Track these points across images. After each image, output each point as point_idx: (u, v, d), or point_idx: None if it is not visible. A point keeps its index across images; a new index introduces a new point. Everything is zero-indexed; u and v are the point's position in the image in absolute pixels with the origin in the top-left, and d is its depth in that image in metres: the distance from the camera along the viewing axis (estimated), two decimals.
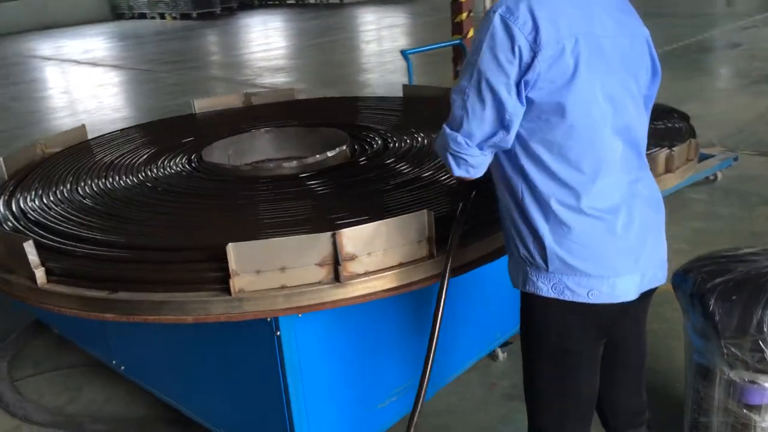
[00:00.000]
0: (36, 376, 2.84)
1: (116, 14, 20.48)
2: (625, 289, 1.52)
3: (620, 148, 1.49)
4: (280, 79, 9.32)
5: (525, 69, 1.40)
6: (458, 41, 5.07)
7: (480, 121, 1.47)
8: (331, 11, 18.14)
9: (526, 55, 1.40)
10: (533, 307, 1.58)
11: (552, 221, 1.48)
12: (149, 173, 2.64)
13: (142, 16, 19.69)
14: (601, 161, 1.46)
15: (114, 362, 2.54)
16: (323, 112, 3.62)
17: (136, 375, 2.53)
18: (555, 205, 1.47)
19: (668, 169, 3.72)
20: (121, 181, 2.58)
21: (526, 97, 1.43)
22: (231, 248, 1.70)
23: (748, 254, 2.06)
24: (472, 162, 1.52)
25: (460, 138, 1.50)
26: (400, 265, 1.83)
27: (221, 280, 1.76)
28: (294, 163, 2.59)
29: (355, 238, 1.76)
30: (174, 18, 18.35)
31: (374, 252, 1.79)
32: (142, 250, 1.96)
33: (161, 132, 3.38)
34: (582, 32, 1.43)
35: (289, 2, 20.51)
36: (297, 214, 2.12)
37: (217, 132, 3.13)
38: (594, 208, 1.47)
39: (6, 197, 2.52)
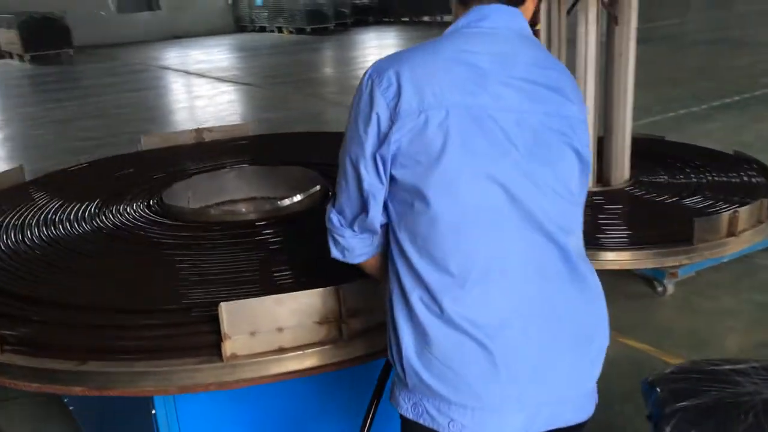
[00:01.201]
0: (5, 402, 2.83)
1: (239, 27, 21.38)
2: (498, 428, 1.21)
3: (522, 251, 1.20)
4: None
5: (381, 140, 1.20)
6: None
7: (347, 197, 1.30)
8: (444, 29, 18.00)
9: (384, 125, 1.20)
10: (401, 426, 1.31)
11: (414, 324, 1.22)
12: (106, 219, 2.39)
13: (262, 29, 20.43)
14: (476, 263, 1.18)
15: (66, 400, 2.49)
16: (299, 148, 3.28)
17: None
18: (416, 304, 1.20)
19: (730, 232, 3.24)
20: (74, 228, 2.30)
21: (391, 174, 1.21)
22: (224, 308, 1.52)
23: (734, 371, 1.67)
24: (345, 244, 1.35)
25: (333, 215, 1.35)
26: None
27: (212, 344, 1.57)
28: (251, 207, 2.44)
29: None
30: (290, 32, 18.90)
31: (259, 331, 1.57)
32: (109, 312, 1.74)
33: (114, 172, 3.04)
34: (457, 103, 1.18)
35: (403, 20, 20.58)
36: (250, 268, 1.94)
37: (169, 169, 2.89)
38: (465, 318, 1.18)
39: None
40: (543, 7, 3.67)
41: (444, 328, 1.18)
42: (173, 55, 15.74)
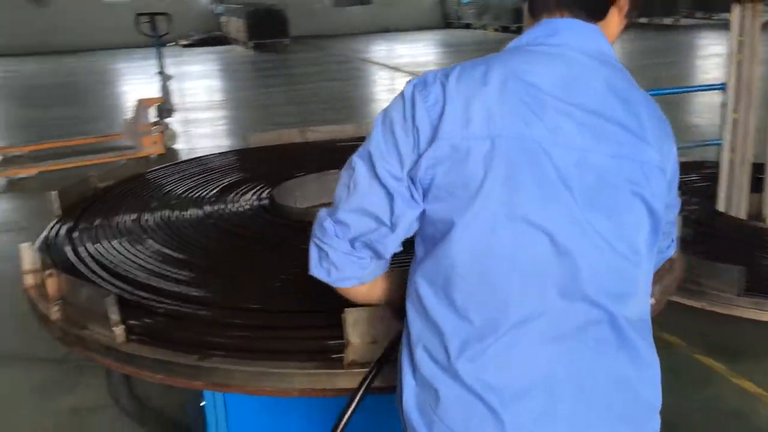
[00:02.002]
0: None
1: (446, 23, 21.67)
2: None
3: (560, 310, 1.03)
4: None
5: (416, 160, 1.05)
6: (721, 85, 4.29)
7: (356, 209, 1.11)
8: (660, 33, 16.89)
9: (423, 143, 1.04)
10: None
11: (419, 379, 1.09)
12: (219, 212, 2.41)
13: (468, 26, 20.52)
14: (502, 317, 1.02)
15: None
16: None
17: None
18: (419, 354, 1.08)
19: None
20: (189, 223, 2.31)
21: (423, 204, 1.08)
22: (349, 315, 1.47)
23: None
24: (335, 259, 1.13)
25: (328, 223, 1.13)
26: None
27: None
28: None
29: None
30: (495, 30, 18.78)
31: None
32: (229, 309, 1.73)
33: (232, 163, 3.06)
34: (507, 132, 1.01)
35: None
36: None
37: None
38: (477, 378, 1.02)
39: (66, 237, 2.18)
40: (735, 17, 3.30)
41: (452, 384, 1.05)
42: (377, 48, 16.34)
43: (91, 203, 2.49)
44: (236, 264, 1.97)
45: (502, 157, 1.01)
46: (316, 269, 1.16)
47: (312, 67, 13.42)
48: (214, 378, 1.54)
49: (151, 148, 6.77)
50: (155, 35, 7.17)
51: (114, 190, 2.64)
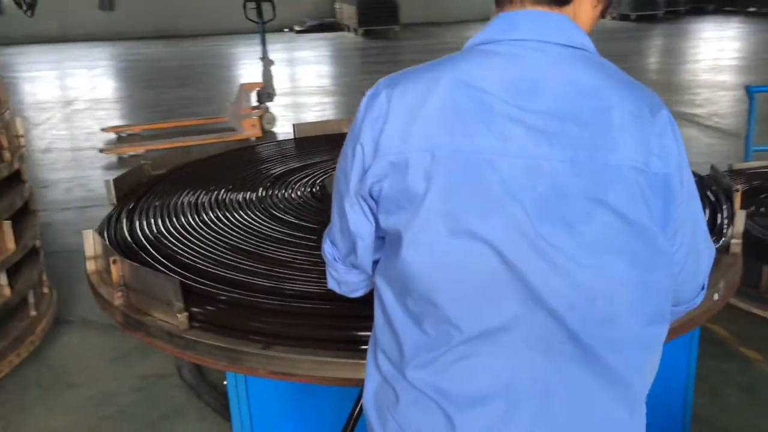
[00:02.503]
0: None
1: None
2: None
3: (520, 322, 0.97)
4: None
5: (362, 177, 1.03)
6: None
7: (339, 230, 1.14)
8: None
9: (367, 159, 1.02)
10: None
11: (380, 376, 1.08)
12: (273, 200, 2.40)
13: None
14: (455, 328, 0.99)
15: None
16: None
17: None
18: (380, 353, 1.08)
19: None
20: (247, 211, 2.30)
21: (376, 219, 1.06)
22: None
23: None
24: (339, 278, 1.20)
25: (326, 245, 1.19)
26: None
27: None
28: None
29: None
30: (613, 18, 17.99)
31: None
32: (290, 298, 1.72)
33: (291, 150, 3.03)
34: (446, 145, 0.96)
35: (749, 10, 18.18)
36: None
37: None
38: (431, 385, 1.00)
39: (126, 224, 2.16)
40: None
41: (407, 387, 1.03)
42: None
43: (147, 190, 2.46)
44: (301, 252, 1.94)
45: (443, 170, 0.96)
46: (331, 285, 1.23)
47: (419, 54, 13.38)
48: (277, 366, 1.55)
49: (249, 130, 7.03)
50: (260, 21, 7.42)
51: (172, 176, 2.62)
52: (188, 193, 2.42)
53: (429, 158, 0.97)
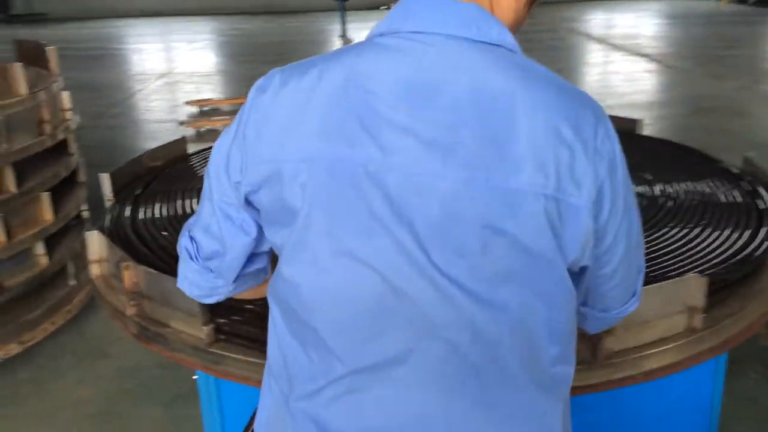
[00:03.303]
0: None
1: None
2: None
3: (411, 351, 0.85)
4: None
5: (239, 182, 0.90)
6: None
7: (204, 228, 0.99)
8: None
9: (245, 164, 0.89)
10: None
11: (271, 407, 0.99)
12: None
13: None
14: (339, 360, 0.88)
15: None
16: None
17: None
18: (272, 382, 0.98)
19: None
20: None
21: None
22: None
23: None
24: (191, 278, 1.03)
25: (183, 239, 1.02)
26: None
27: None
28: None
29: None
30: (729, 1, 16.75)
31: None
32: None
33: None
34: (324, 155, 0.83)
35: None
36: None
37: None
38: (315, 418, 0.89)
39: (129, 222, 1.93)
40: None
41: (292, 419, 0.91)
42: (591, 18, 15.35)
43: (146, 185, 2.16)
44: None
45: (321, 183, 0.83)
46: (180, 282, 1.05)
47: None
48: None
49: None
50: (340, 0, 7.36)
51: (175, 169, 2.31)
52: (189, 191, 2.11)
53: (305, 169, 0.84)
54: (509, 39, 0.86)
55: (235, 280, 1.00)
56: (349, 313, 0.86)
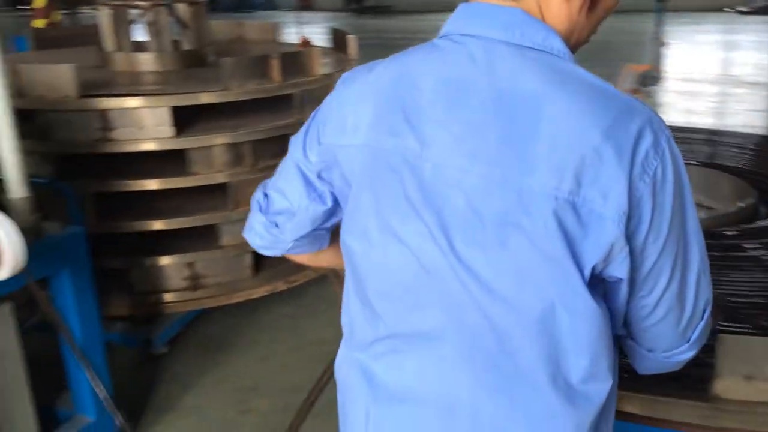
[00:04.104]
0: None
1: None
2: None
3: (445, 328, 0.93)
4: None
5: (307, 154, 1.03)
6: None
7: (278, 188, 1.10)
8: None
9: (317, 142, 1.02)
10: None
11: (343, 351, 1.13)
12: None
13: None
14: (383, 323, 0.99)
15: None
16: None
17: None
18: (344, 330, 1.11)
19: None
20: None
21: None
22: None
23: None
24: (258, 230, 1.13)
25: (258, 193, 1.13)
26: None
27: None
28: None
29: None
30: None
31: None
32: None
33: None
34: (373, 143, 0.93)
35: None
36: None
37: None
38: (365, 367, 1.01)
39: None
40: None
41: (350, 365, 1.04)
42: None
43: None
44: None
45: (368, 167, 0.94)
46: (246, 232, 1.17)
47: None
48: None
49: None
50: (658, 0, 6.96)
51: None
52: None
53: (356, 153, 0.95)
54: (556, 44, 0.88)
55: (294, 240, 1.11)
56: (390, 284, 0.95)
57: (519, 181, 0.83)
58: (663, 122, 0.84)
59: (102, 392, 2.23)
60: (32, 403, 2.24)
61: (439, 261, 0.89)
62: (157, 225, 2.97)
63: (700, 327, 0.96)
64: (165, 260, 3.05)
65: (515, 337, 0.88)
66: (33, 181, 2.28)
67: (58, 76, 2.78)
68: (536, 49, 0.88)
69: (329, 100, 1.03)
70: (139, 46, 3.66)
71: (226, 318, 3.46)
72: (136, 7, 3.55)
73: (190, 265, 3.10)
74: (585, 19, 0.92)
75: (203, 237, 3.12)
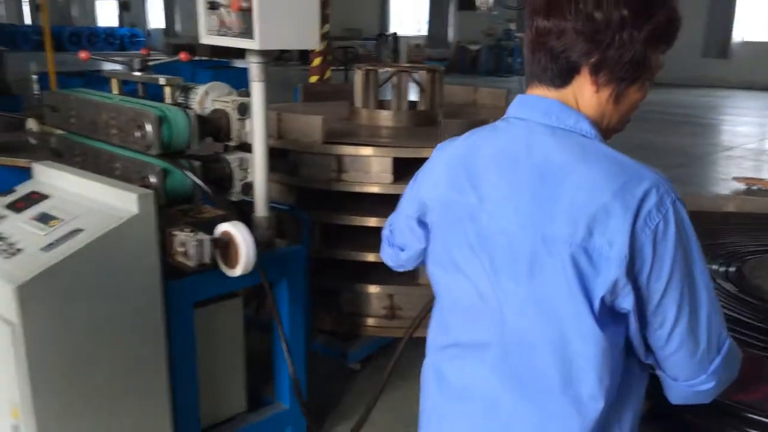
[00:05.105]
0: None
1: None
2: None
3: (491, 343, 1.21)
4: None
5: (409, 204, 1.39)
6: None
7: (396, 225, 1.48)
8: None
9: (415, 194, 1.37)
10: None
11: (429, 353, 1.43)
12: None
13: None
14: (448, 334, 1.30)
15: None
16: None
17: None
18: (429, 334, 1.42)
19: None
20: None
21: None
22: None
23: None
24: (389, 252, 1.55)
25: (386, 225, 1.54)
26: None
27: None
28: None
29: None
30: None
31: None
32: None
33: None
34: (445, 198, 1.26)
35: None
36: None
37: None
38: (438, 369, 1.32)
39: None
40: None
41: (427, 366, 1.37)
42: None
43: None
44: None
45: (441, 217, 1.25)
46: (382, 254, 1.59)
47: None
48: None
49: None
50: None
51: None
52: None
53: (436, 205, 1.28)
54: (585, 126, 1.15)
55: (412, 263, 1.50)
56: (457, 304, 1.26)
57: (544, 228, 1.09)
58: (670, 187, 1.05)
59: (297, 387, 2.67)
60: (245, 385, 2.77)
61: (488, 289, 1.17)
62: (370, 257, 3.41)
63: (717, 361, 1.11)
64: (371, 288, 3.49)
65: (536, 352, 1.12)
66: (277, 206, 2.83)
67: (310, 124, 3.40)
68: (567, 130, 1.14)
69: (426, 164, 1.35)
70: (382, 104, 4.23)
71: (414, 348, 3.77)
72: (385, 71, 4.14)
73: (390, 296, 3.50)
74: (613, 107, 1.16)
75: (405, 273, 3.48)
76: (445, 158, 1.29)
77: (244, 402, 2.78)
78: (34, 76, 8.27)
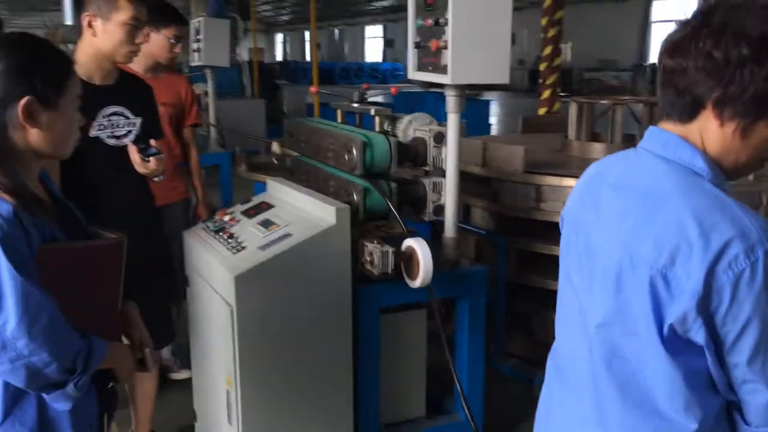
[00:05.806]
0: None
1: None
2: None
3: (581, 349, 1.30)
4: None
5: None
6: None
7: None
8: None
9: None
10: None
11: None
12: None
13: None
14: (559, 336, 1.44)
15: None
16: None
17: None
18: None
19: None
20: None
21: None
22: None
23: None
24: None
25: None
26: None
27: None
28: None
29: None
30: None
31: None
32: None
33: None
34: (569, 215, 1.39)
35: None
36: None
37: None
38: (554, 366, 1.44)
39: None
40: None
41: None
42: None
43: None
44: None
45: (568, 228, 1.38)
46: None
47: None
48: None
49: None
50: None
51: None
52: None
53: (566, 218, 1.42)
54: (699, 164, 1.18)
55: None
56: (563, 310, 1.39)
57: (632, 248, 1.16)
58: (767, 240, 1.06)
59: (464, 400, 2.79)
60: (424, 392, 2.99)
61: (585, 301, 1.29)
62: None
63: None
64: None
65: (624, 364, 1.21)
66: (474, 229, 3.01)
67: (513, 154, 3.55)
68: (681, 164, 1.19)
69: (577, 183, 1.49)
70: (597, 137, 4.22)
71: None
72: (602, 103, 4.14)
73: None
74: (741, 143, 1.17)
75: None
76: (584, 178, 1.41)
77: (423, 407, 3.00)
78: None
